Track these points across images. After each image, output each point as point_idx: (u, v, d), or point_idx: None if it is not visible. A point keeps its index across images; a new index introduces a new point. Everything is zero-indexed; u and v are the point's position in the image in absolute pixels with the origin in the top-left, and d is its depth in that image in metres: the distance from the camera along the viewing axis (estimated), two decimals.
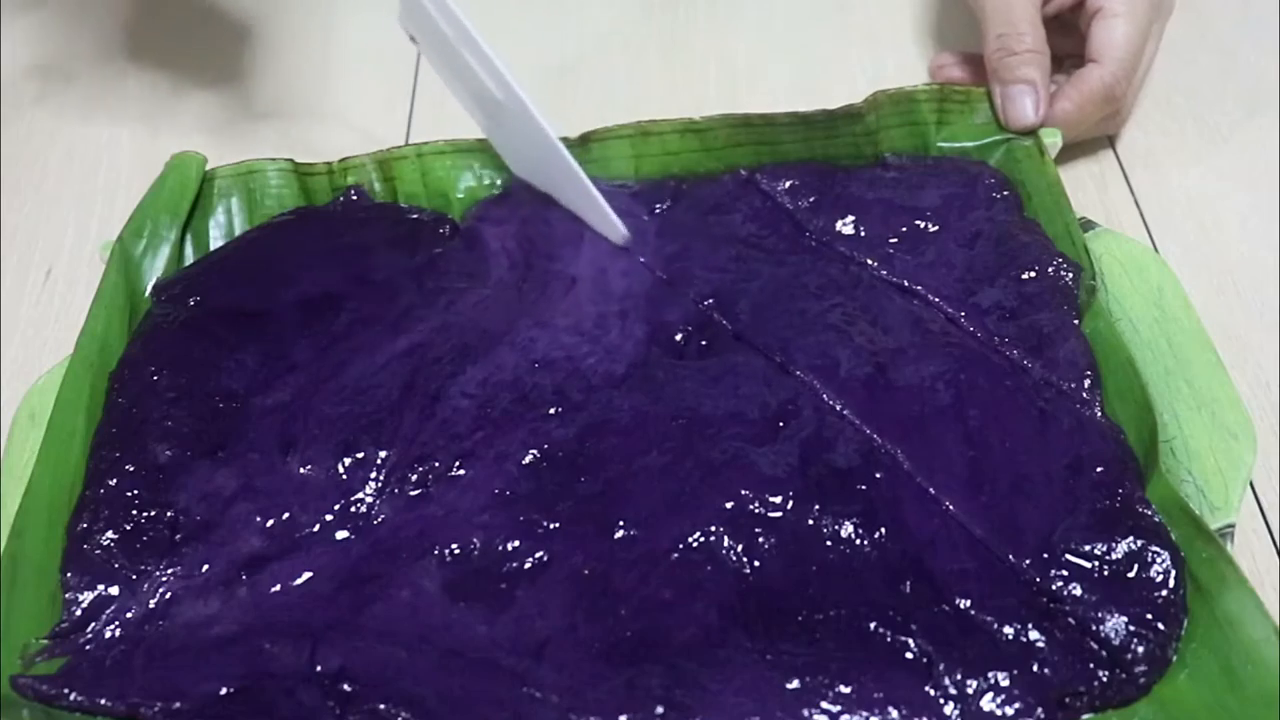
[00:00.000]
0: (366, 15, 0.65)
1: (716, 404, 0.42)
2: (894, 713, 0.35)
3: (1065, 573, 0.38)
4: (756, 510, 0.39)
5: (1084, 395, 0.43)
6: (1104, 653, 0.36)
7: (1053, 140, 0.51)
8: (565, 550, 0.39)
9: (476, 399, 0.43)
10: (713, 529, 0.38)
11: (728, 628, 0.37)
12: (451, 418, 0.43)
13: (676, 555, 0.38)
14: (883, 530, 0.39)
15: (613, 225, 0.47)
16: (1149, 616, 0.37)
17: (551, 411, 0.42)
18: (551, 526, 0.39)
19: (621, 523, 0.39)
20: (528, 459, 0.41)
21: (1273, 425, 0.46)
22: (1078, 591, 0.37)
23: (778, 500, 0.39)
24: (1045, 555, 0.38)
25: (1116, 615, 0.37)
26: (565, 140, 0.52)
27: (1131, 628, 0.36)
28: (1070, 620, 0.37)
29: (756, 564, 0.38)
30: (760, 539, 0.38)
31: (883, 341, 0.44)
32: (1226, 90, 0.58)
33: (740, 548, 0.38)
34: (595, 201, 0.46)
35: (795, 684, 0.36)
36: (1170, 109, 0.58)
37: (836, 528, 0.39)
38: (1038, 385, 0.43)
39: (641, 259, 0.48)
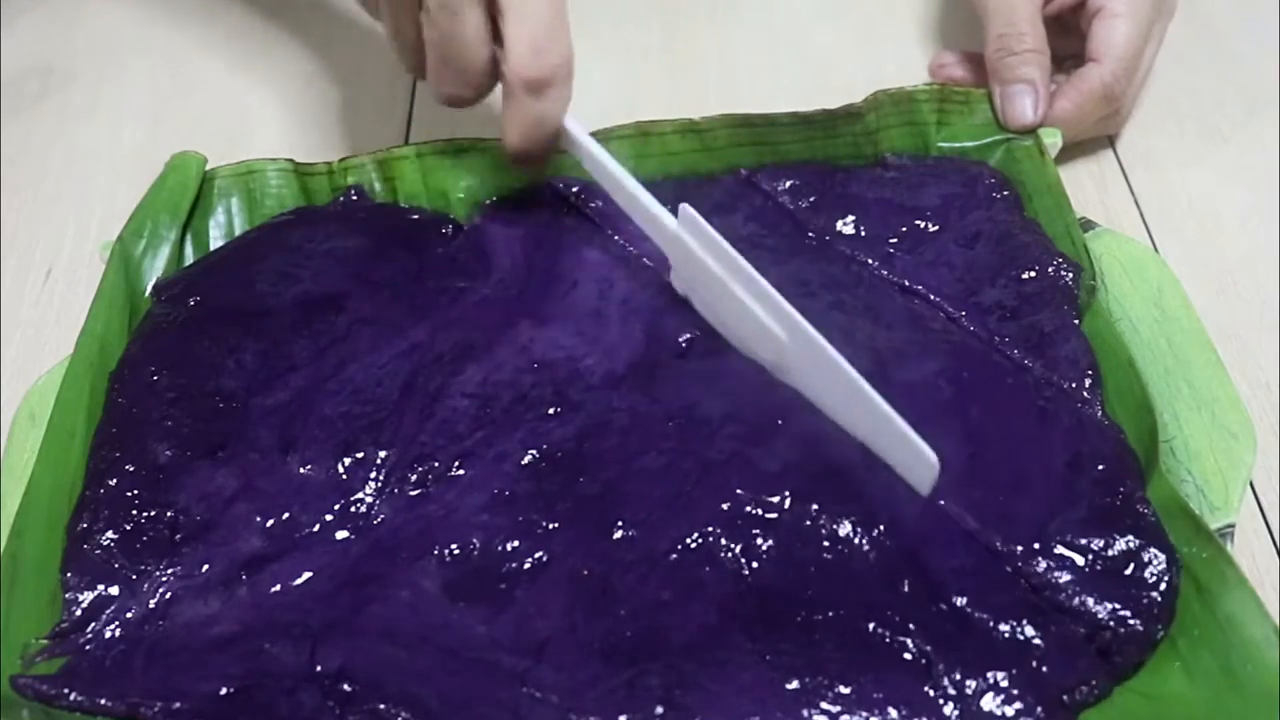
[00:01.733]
0: (366, 15, 0.65)
1: (714, 403, 0.42)
2: (893, 713, 0.35)
3: (1059, 567, 0.38)
4: (754, 511, 0.39)
5: (1084, 395, 0.43)
6: (1093, 647, 0.36)
7: (1053, 140, 0.51)
8: (565, 550, 0.39)
9: (476, 399, 0.43)
10: (711, 530, 0.38)
11: (727, 628, 0.37)
12: (451, 418, 0.43)
13: (675, 556, 0.38)
14: (880, 529, 0.39)
15: (926, 462, 0.39)
16: (1135, 613, 0.37)
17: (551, 412, 0.42)
18: (551, 527, 0.39)
19: (620, 523, 0.39)
20: (527, 459, 0.41)
21: (1273, 425, 0.46)
22: (1071, 586, 0.37)
23: (775, 500, 0.39)
24: (1039, 548, 0.38)
25: (1106, 610, 0.37)
26: None
27: (1115, 624, 0.37)
28: (1066, 617, 0.37)
29: (755, 565, 0.38)
30: (759, 539, 0.38)
31: (883, 340, 0.44)
32: (1226, 90, 0.58)
33: (739, 548, 0.38)
34: (903, 435, 0.39)
35: (794, 684, 0.36)
36: (1170, 109, 0.58)
37: (834, 527, 0.39)
38: (1038, 384, 0.43)
39: (648, 261, 0.48)
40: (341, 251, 0.49)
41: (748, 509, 0.39)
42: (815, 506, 0.39)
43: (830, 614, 0.37)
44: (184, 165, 0.51)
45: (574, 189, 0.50)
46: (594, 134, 0.52)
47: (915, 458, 0.39)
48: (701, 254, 0.42)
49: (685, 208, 0.42)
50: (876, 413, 0.39)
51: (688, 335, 0.45)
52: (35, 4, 0.65)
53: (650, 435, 0.41)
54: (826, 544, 0.38)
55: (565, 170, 0.51)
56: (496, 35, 0.44)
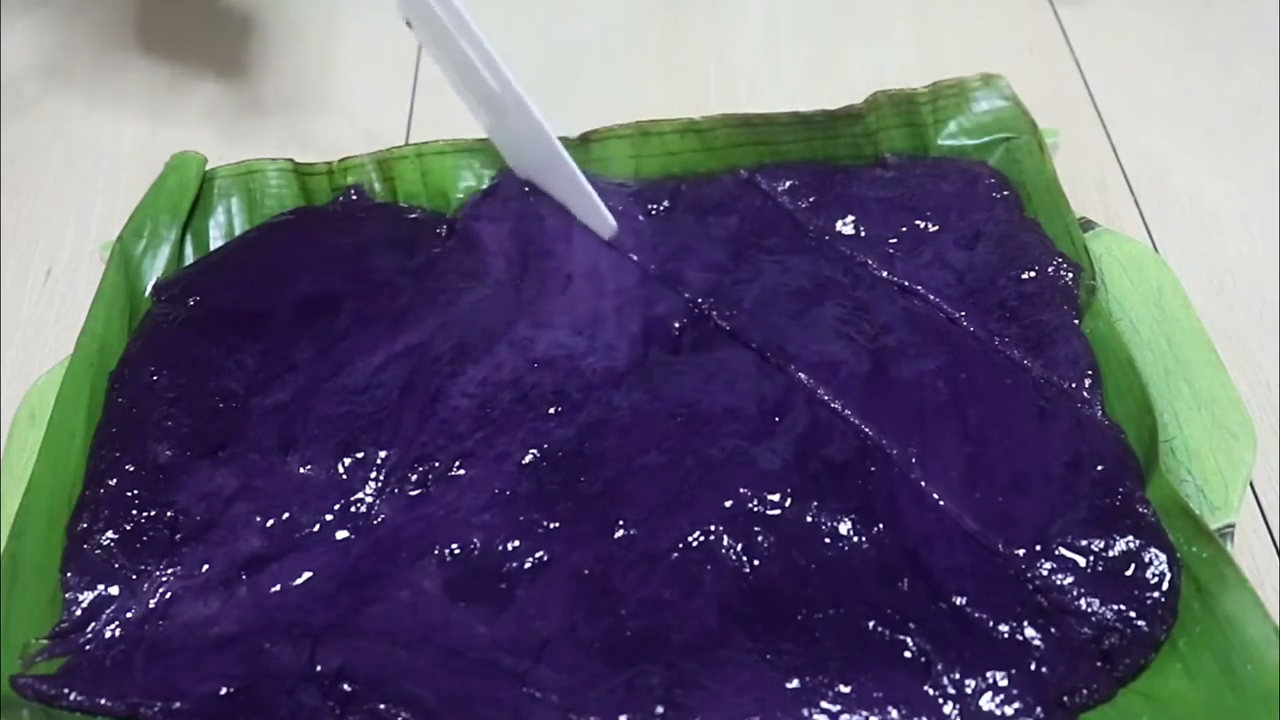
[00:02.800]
0: (367, 15, 0.65)
1: (714, 401, 0.42)
2: (893, 712, 0.35)
3: (1059, 567, 0.38)
4: (755, 509, 0.39)
5: (1084, 394, 0.43)
6: (1094, 648, 0.36)
7: (1053, 140, 0.51)
8: (565, 550, 0.39)
9: (476, 399, 0.43)
10: (712, 528, 0.38)
11: (727, 627, 0.37)
12: (451, 418, 0.43)
13: (676, 555, 0.38)
14: (880, 526, 0.39)
15: (602, 218, 0.47)
16: (1138, 614, 0.37)
17: (551, 411, 0.42)
18: (551, 526, 0.39)
19: (621, 522, 0.39)
20: (528, 459, 0.41)
21: (1273, 425, 0.46)
22: (1071, 586, 0.37)
23: (775, 498, 0.39)
24: (1039, 548, 0.38)
25: (1107, 611, 0.37)
26: (565, 140, 0.52)
27: (1119, 625, 0.37)
28: (1066, 617, 0.37)
29: (755, 563, 0.38)
30: (759, 538, 0.38)
31: (883, 340, 0.44)
32: (1226, 90, 0.58)
33: (739, 547, 0.38)
34: (585, 192, 0.46)
35: (795, 683, 0.36)
36: (1170, 109, 0.58)
37: (834, 524, 0.39)
38: (1038, 384, 0.43)
39: (634, 256, 0.48)
40: (341, 251, 0.49)
41: (749, 507, 0.39)
42: (815, 504, 0.39)
43: (830, 612, 0.37)
44: (184, 165, 0.51)
45: None
46: (594, 134, 0.52)
47: (596, 219, 0.46)
48: (433, 2, 0.43)
49: None
50: (564, 167, 0.45)
51: (678, 323, 0.45)
52: (35, 4, 0.65)
53: (651, 434, 0.41)
54: (827, 542, 0.38)
55: None
56: None
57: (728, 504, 0.39)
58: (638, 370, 0.44)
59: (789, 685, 0.36)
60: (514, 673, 0.36)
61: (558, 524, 0.39)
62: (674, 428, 0.41)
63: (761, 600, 0.37)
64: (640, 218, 0.49)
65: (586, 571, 0.38)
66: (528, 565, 0.39)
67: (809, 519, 0.39)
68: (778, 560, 0.38)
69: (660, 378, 0.43)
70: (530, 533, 0.39)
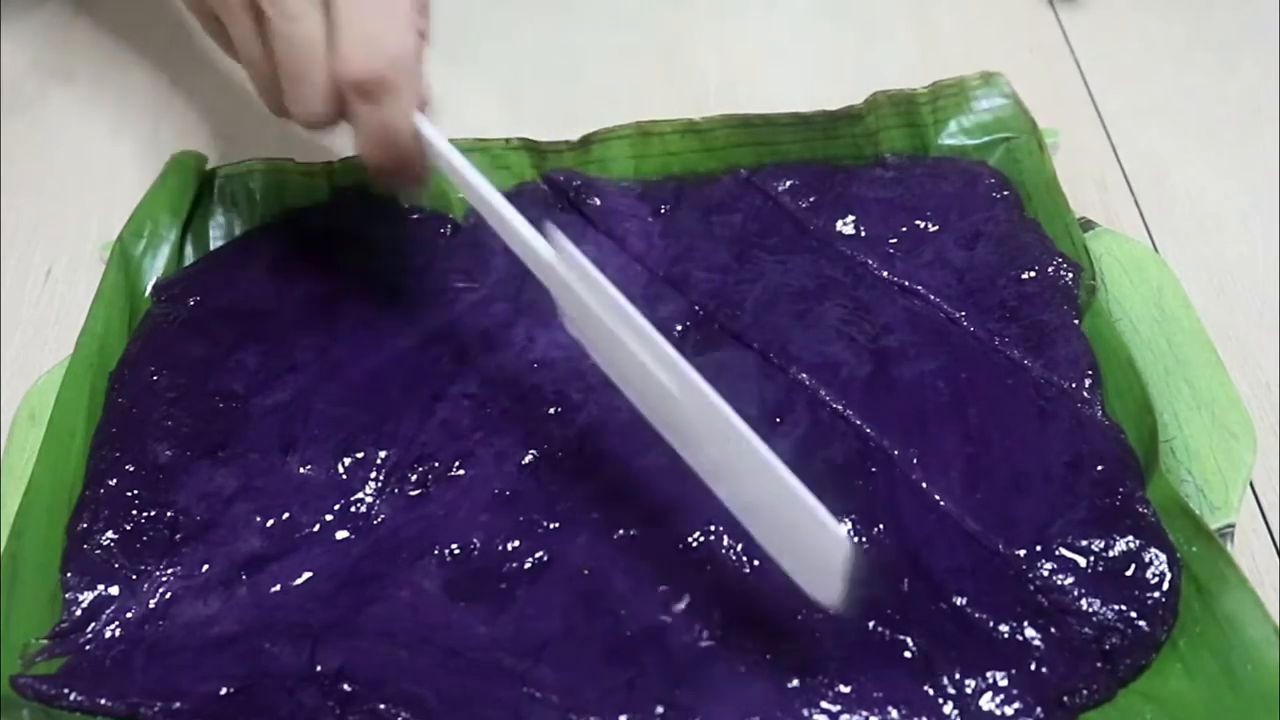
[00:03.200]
0: None
1: None
2: (893, 712, 0.35)
3: (1060, 567, 0.38)
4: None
5: (1084, 394, 0.43)
6: (1095, 648, 0.36)
7: (1053, 140, 0.51)
8: (565, 550, 0.39)
9: (476, 399, 0.43)
10: (712, 528, 0.38)
11: (728, 627, 0.37)
12: (451, 418, 0.43)
13: (676, 555, 0.38)
14: (880, 527, 0.39)
15: (837, 541, 0.32)
16: (1138, 614, 0.37)
17: (551, 411, 0.42)
18: (551, 526, 0.39)
19: (621, 522, 0.39)
20: (528, 459, 0.41)
21: (1273, 425, 0.46)
22: (1071, 586, 0.37)
23: None
24: (1040, 549, 0.38)
25: (1108, 611, 0.37)
26: (566, 142, 0.52)
27: (1120, 625, 0.37)
28: (1066, 617, 0.37)
29: (755, 563, 0.38)
30: None
31: (883, 340, 0.44)
32: (1226, 90, 0.58)
33: (739, 547, 0.38)
34: (811, 511, 0.32)
35: (795, 683, 0.36)
36: (1170, 109, 0.58)
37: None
38: (1038, 384, 0.43)
39: (644, 259, 0.48)
40: (340, 251, 0.49)
41: None
42: None
43: (830, 612, 0.37)
44: (184, 165, 0.51)
45: (574, 183, 0.50)
46: (594, 134, 0.52)
47: (824, 537, 0.32)
48: (577, 288, 0.35)
49: (554, 231, 0.36)
50: (779, 485, 0.32)
51: (680, 326, 0.45)
52: (35, 4, 0.65)
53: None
54: None
55: (565, 167, 0.51)
56: None
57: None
58: None
59: (789, 685, 0.36)
60: (514, 673, 0.36)
61: (558, 524, 0.39)
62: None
63: (761, 600, 0.37)
64: (649, 219, 0.49)
65: (586, 572, 0.38)
66: (528, 565, 0.39)
67: None
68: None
69: None
70: (530, 533, 0.39)
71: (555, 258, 0.36)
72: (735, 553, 0.38)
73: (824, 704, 0.35)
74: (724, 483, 0.35)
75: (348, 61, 0.37)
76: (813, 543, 0.32)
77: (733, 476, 0.34)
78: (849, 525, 0.34)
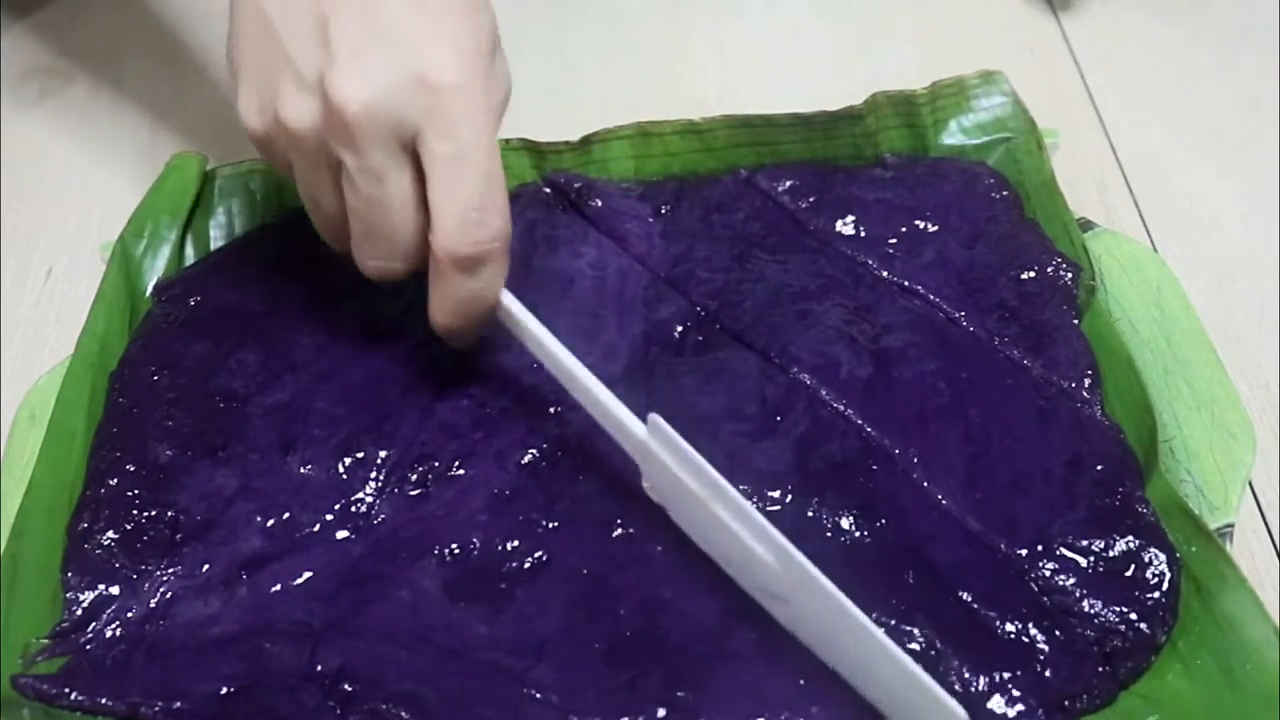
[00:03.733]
0: None
1: (714, 400, 0.42)
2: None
3: (1060, 567, 0.38)
4: (756, 505, 0.39)
5: (1084, 394, 0.43)
6: (1095, 649, 0.36)
7: (1053, 140, 0.51)
8: (564, 549, 0.39)
9: (476, 398, 0.43)
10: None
11: (728, 625, 0.37)
12: (451, 417, 0.43)
13: (674, 553, 0.38)
14: (881, 523, 0.39)
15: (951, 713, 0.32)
16: (1138, 615, 0.37)
17: (551, 411, 0.42)
18: (550, 526, 0.39)
19: (619, 520, 0.39)
20: (527, 458, 0.41)
21: (1272, 425, 0.46)
22: (1071, 586, 0.38)
23: (775, 494, 0.39)
24: (1040, 549, 0.38)
25: (1107, 612, 0.37)
26: (566, 143, 0.52)
27: (1120, 626, 0.37)
28: (1067, 618, 0.37)
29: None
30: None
31: (883, 341, 0.44)
32: (1226, 90, 0.58)
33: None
34: (925, 687, 0.32)
35: (797, 682, 0.36)
36: (1170, 109, 0.58)
37: (835, 522, 0.39)
38: (1038, 384, 0.43)
39: (646, 261, 0.48)
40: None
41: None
42: (815, 501, 0.39)
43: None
44: (184, 165, 0.51)
45: (575, 185, 0.50)
46: (594, 134, 0.52)
47: (939, 715, 0.32)
48: (675, 468, 0.36)
49: (655, 417, 0.36)
50: (888, 657, 0.32)
51: (680, 328, 0.45)
52: (35, 4, 0.65)
53: None
54: (827, 536, 0.38)
55: (565, 167, 0.51)
56: (426, 200, 0.37)
57: None
58: (638, 370, 0.44)
59: (791, 685, 0.36)
60: (514, 673, 0.36)
61: (557, 524, 0.39)
62: (673, 426, 0.41)
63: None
64: (650, 219, 0.49)
65: (585, 571, 0.38)
66: (527, 565, 0.39)
67: (809, 516, 0.39)
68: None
69: (661, 378, 0.43)
70: (530, 532, 0.39)
71: (647, 434, 0.36)
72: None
73: (826, 702, 0.35)
74: (832, 652, 0.35)
75: (453, 237, 0.37)
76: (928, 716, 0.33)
77: (840, 647, 0.35)
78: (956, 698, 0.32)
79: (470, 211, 0.37)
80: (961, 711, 0.32)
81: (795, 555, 0.34)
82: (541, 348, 0.39)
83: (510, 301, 0.40)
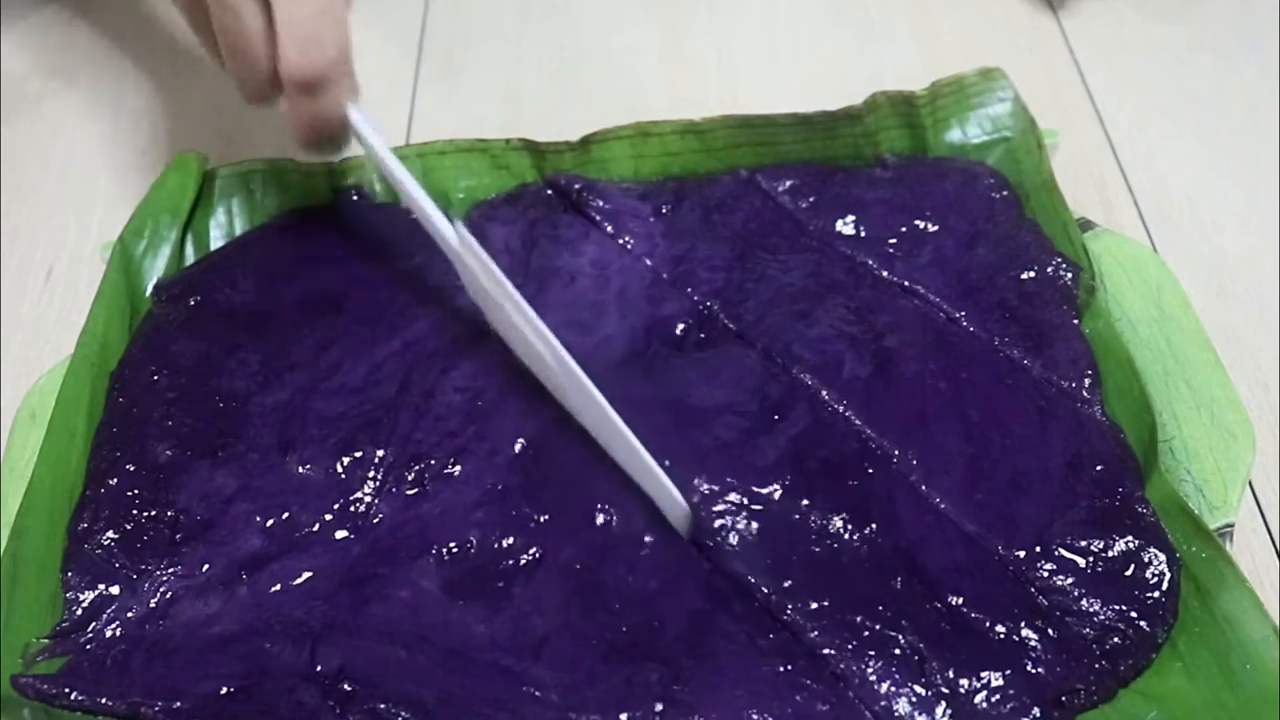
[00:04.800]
0: (366, 14, 0.65)
1: (711, 395, 0.42)
2: (888, 710, 0.35)
3: (1059, 568, 0.38)
4: (741, 500, 0.39)
5: (1084, 394, 0.43)
6: (1094, 649, 0.36)
7: (1052, 140, 0.51)
8: (556, 545, 0.39)
9: (468, 393, 0.43)
10: (698, 512, 0.39)
11: (714, 612, 0.37)
12: (445, 414, 0.43)
13: (660, 543, 0.38)
14: (874, 526, 0.39)
15: (675, 502, 0.39)
16: (1138, 615, 0.37)
17: (540, 403, 0.42)
18: (542, 519, 0.39)
19: (606, 506, 0.39)
20: (517, 447, 0.41)
21: (1272, 425, 0.46)
22: (1070, 586, 0.38)
23: (765, 491, 0.39)
24: (1039, 550, 0.38)
25: (1107, 611, 0.37)
26: (566, 143, 0.52)
27: (1120, 625, 0.37)
28: (1065, 618, 0.37)
29: (740, 549, 0.38)
30: (742, 524, 0.38)
31: (883, 341, 0.44)
32: (1226, 90, 0.58)
33: (724, 533, 0.38)
34: (657, 479, 0.39)
35: (792, 680, 0.36)
36: (1170, 109, 0.58)
37: (825, 521, 0.39)
38: (1037, 384, 0.43)
39: (648, 261, 0.48)
40: (340, 251, 0.49)
41: (734, 496, 0.39)
42: (807, 501, 0.39)
43: (820, 607, 0.37)
44: (184, 165, 0.51)
45: (576, 186, 0.50)
46: (594, 135, 0.52)
47: (670, 501, 0.39)
48: (479, 275, 0.41)
49: (461, 228, 0.41)
50: (633, 453, 0.39)
51: (682, 325, 0.45)
52: (35, 4, 0.65)
53: (640, 421, 0.41)
54: (815, 537, 0.38)
55: (565, 167, 0.51)
56: None
57: (711, 489, 0.39)
58: (635, 362, 0.44)
59: (787, 683, 0.36)
60: (513, 672, 0.36)
61: (547, 516, 0.40)
62: (667, 417, 0.42)
63: (745, 590, 0.38)
64: (651, 219, 0.49)
65: (578, 566, 0.38)
66: (522, 562, 0.39)
67: (799, 514, 0.39)
68: (761, 549, 0.38)
69: (658, 371, 0.43)
70: (522, 528, 0.39)
71: (460, 244, 0.41)
72: (720, 537, 0.38)
73: (821, 701, 0.35)
74: (605, 444, 0.41)
75: (290, 63, 0.40)
76: (662, 500, 0.39)
77: (607, 440, 0.41)
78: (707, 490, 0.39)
79: (304, 38, 0.40)
80: (684, 504, 0.38)
81: (565, 357, 0.39)
82: (385, 168, 0.43)
83: (361, 124, 0.43)
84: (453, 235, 0.41)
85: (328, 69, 0.40)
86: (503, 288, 0.40)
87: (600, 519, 0.39)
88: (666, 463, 0.39)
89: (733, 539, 0.38)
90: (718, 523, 0.38)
